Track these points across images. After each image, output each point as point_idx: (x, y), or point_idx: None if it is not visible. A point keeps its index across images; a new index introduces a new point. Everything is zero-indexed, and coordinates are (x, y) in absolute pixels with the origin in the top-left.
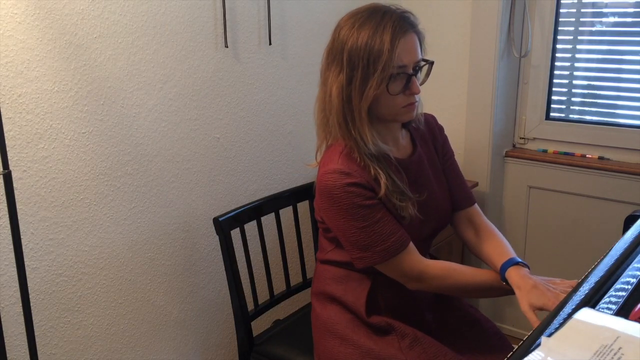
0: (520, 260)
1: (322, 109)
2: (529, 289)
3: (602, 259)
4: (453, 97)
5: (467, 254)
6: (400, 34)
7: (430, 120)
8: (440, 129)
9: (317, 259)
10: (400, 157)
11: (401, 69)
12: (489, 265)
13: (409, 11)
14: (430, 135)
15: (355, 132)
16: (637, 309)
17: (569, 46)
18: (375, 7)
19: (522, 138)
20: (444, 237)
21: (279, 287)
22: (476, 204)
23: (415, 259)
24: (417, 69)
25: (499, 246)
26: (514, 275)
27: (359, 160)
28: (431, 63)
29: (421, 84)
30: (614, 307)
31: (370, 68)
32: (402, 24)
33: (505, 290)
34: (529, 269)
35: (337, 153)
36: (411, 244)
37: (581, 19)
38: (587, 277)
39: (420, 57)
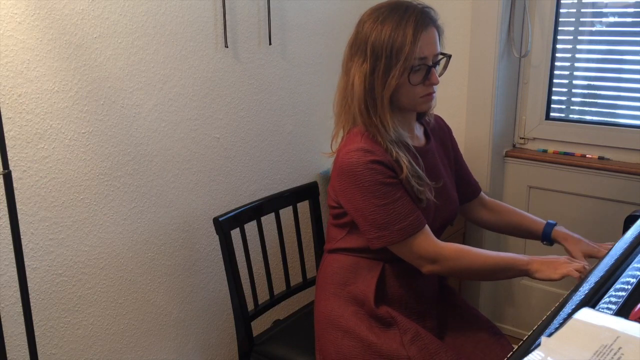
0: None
1: (344, 97)
2: (576, 240)
3: (602, 259)
4: (453, 97)
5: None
6: (421, 27)
7: (440, 120)
8: (450, 131)
9: (324, 250)
10: (416, 145)
11: (422, 61)
12: (522, 233)
13: (429, 6)
14: (440, 134)
15: (376, 119)
16: (637, 309)
17: (569, 46)
18: (397, 2)
19: (522, 138)
20: (444, 237)
21: (279, 287)
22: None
23: (431, 240)
24: (436, 61)
25: (525, 215)
26: (560, 232)
27: (382, 143)
28: (449, 56)
29: (439, 76)
30: (614, 307)
31: (393, 59)
32: (424, 18)
33: (515, 271)
34: None
35: (359, 135)
36: (427, 226)
37: (581, 19)
38: (587, 277)
39: (439, 50)
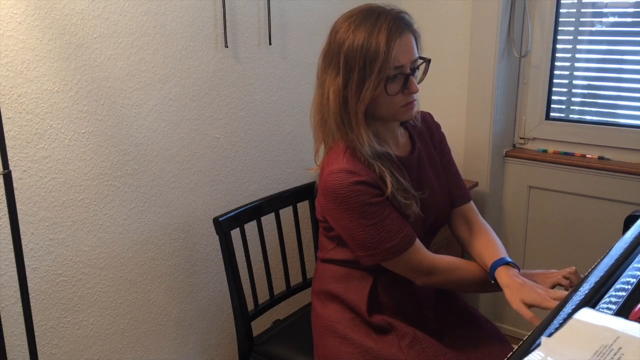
0: (510, 260)
1: (319, 111)
2: (518, 287)
3: (602, 259)
4: (453, 97)
5: (467, 254)
6: (395, 34)
7: (427, 117)
8: (438, 126)
9: (317, 258)
10: (401, 155)
11: (398, 70)
12: (479, 263)
13: (404, 11)
14: (427, 133)
15: (352, 134)
16: (637, 309)
17: (569, 46)
18: (370, 8)
19: (522, 138)
20: (444, 237)
21: (279, 287)
22: (472, 202)
23: (423, 254)
24: (414, 67)
25: (490, 245)
26: (503, 275)
27: (362, 159)
28: (428, 61)
29: (419, 82)
30: (614, 307)
31: (367, 70)
32: (398, 24)
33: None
34: (519, 270)
35: (341, 153)
36: (417, 240)
37: (581, 19)
38: (587, 277)
39: (416, 56)
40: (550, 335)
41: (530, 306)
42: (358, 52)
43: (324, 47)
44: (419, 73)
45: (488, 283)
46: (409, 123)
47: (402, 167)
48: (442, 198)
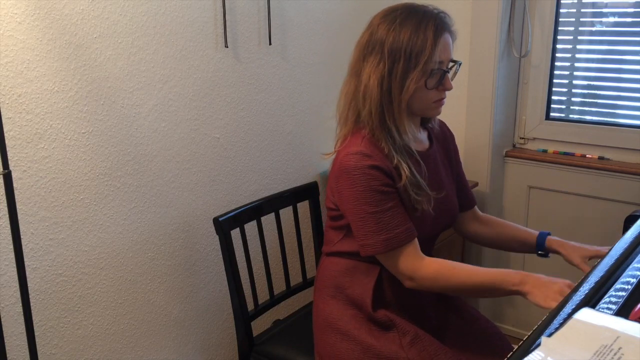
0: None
1: (352, 99)
2: (574, 247)
3: (602, 259)
4: (453, 97)
5: (467, 253)
6: (440, 31)
7: (443, 126)
8: (452, 137)
9: (322, 252)
10: (419, 150)
11: (439, 65)
12: (515, 244)
13: (444, 12)
14: (443, 138)
15: (390, 122)
16: (637, 309)
17: (569, 46)
18: (412, 6)
19: (522, 138)
20: (445, 236)
21: (279, 287)
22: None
23: (413, 257)
24: (449, 67)
25: (519, 227)
26: (555, 240)
27: (385, 149)
28: (459, 64)
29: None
30: (614, 307)
31: (412, 62)
32: (441, 23)
33: (503, 291)
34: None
35: (360, 138)
36: (414, 241)
37: (581, 19)
38: (587, 277)
39: (452, 56)
40: (550, 335)
41: (592, 257)
42: (405, 43)
43: (361, 40)
44: (450, 74)
45: (483, 289)
46: (427, 124)
47: (420, 162)
48: (453, 201)
